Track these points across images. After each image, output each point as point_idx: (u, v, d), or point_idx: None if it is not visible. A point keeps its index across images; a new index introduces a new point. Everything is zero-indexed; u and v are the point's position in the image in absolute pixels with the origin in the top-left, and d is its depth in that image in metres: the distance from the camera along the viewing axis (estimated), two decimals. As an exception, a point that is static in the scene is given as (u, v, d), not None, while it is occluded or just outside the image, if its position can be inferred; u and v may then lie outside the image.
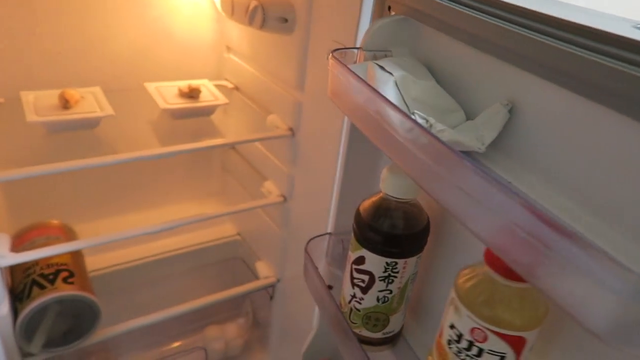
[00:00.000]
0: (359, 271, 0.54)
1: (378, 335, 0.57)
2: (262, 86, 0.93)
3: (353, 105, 0.49)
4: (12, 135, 0.78)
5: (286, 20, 0.78)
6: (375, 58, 0.57)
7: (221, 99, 0.89)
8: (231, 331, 1.10)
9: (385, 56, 0.58)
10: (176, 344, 1.13)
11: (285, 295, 1.02)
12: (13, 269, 0.84)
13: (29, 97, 0.78)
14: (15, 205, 0.98)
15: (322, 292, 0.62)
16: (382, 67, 0.51)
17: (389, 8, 0.59)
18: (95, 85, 0.93)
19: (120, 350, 1.06)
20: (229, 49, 1.04)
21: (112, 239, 0.78)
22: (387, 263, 0.52)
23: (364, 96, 0.46)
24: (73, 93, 0.77)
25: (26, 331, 0.77)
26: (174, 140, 0.85)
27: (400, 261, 0.52)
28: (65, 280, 0.79)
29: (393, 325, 0.57)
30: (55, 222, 0.93)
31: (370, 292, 0.54)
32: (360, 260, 0.53)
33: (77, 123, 0.75)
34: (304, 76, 0.80)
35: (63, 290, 0.77)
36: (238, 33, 0.98)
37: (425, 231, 0.53)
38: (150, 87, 0.89)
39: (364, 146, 0.64)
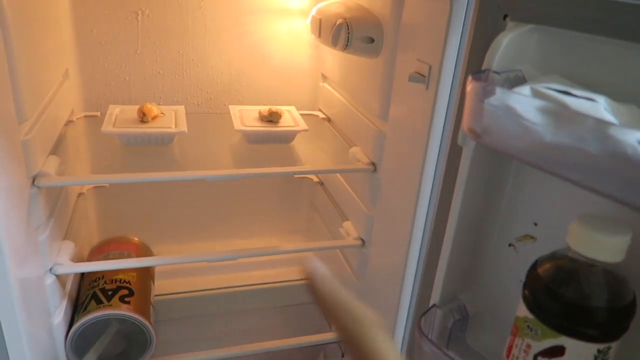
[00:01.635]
0: (554, 364, 0.41)
1: None
2: (349, 116, 0.85)
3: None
4: (94, 147, 0.79)
5: (372, 40, 0.69)
6: (509, 81, 0.46)
7: (302, 125, 0.83)
8: (298, 384, 0.99)
9: (517, 77, 0.46)
10: (239, 387, 1.05)
11: (357, 354, 0.89)
12: (83, 279, 0.84)
13: (115, 110, 0.80)
14: (106, 218, 1.01)
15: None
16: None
17: (505, 17, 0.47)
18: (187, 106, 0.93)
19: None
20: (324, 77, 0.99)
21: (168, 262, 0.74)
22: (598, 350, 0.39)
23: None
24: (151, 107, 0.76)
25: (78, 345, 0.75)
26: (247, 164, 0.80)
27: (613, 344, 0.39)
28: (122, 298, 0.77)
29: None
30: (135, 239, 0.94)
31: None
32: (555, 351, 0.41)
33: (149, 137, 0.74)
34: (388, 104, 0.70)
35: (116, 309, 0.75)
36: (331, 59, 0.92)
37: (635, 299, 0.40)
38: (234, 109, 0.86)
39: (478, 197, 0.53)
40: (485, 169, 0.51)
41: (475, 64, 0.50)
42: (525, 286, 0.44)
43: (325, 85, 0.98)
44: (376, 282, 0.80)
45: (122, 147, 0.76)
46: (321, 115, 0.98)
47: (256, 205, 1.09)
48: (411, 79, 0.60)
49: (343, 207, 0.92)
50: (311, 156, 0.83)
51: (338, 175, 0.91)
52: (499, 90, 0.40)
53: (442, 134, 0.60)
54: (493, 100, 0.40)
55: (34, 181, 0.61)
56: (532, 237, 0.52)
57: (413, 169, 0.64)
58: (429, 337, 0.54)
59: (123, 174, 0.64)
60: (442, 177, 0.59)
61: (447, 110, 0.58)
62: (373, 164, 0.76)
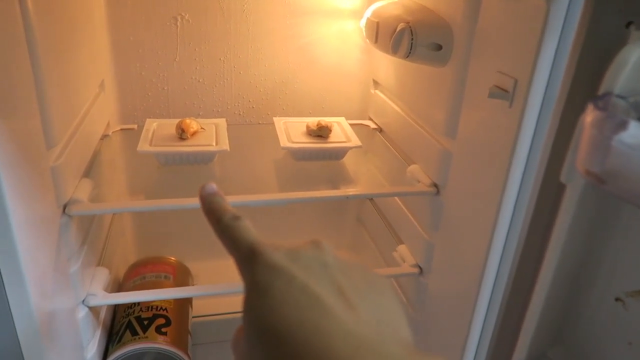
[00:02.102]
0: None
1: None
2: (407, 129, 0.76)
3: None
4: (130, 164, 0.73)
5: (440, 47, 0.60)
6: (636, 107, 0.35)
7: (354, 141, 0.75)
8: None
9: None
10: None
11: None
12: (117, 304, 0.79)
13: (152, 125, 0.74)
14: (143, 234, 0.96)
15: None
16: None
17: (629, 24, 0.38)
18: (228, 116, 0.87)
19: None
20: (376, 84, 0.90)
21: (208, 293, 0.68)
22: None
23: None
24: (190, 123, 0.70)
25: (112, 378, 0.70)
26: (293, 184, 0.73)
27: None
28: (158, 329, 0.71)
29: None
30: (172, 259, 0.88)
31: None
32: None
33: (188, 156, 0.68)
34: (457, 120, 0.61)
35: (153, 342, 0.69)
36: (386, 65, 0.83)
37: None
38: (279, 122, 0.79)
39: (581, 239, 0.44)
40: (592, 209, 0.41)
41: (582, 83, 0.41)
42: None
43: (378, 92, 0.89)
44: (435, 317, 0.71)
45: (158, 165, 0.70)
46: (372, 126, 0.90)
47: (297, 218, 1.02)
48: (492, 94, 0.51)
49: (396, 227, 0.84)
50: (364, 174, 0.75)
51: (398, 201, 0.82)
52: (633, 125, 0.31)
53: (527, 160, 0.51)
54: (626, 137, 0.31)
55: (64, 209, 0.56)
56: (649, 294, 0.42)
57: (488, 197, 0.55)
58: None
59: (160, 200, 0.58)
60: (528, 211, 0.50)
61: (534, 133, 0.49)
62: (435, 185, 0.67)
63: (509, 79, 0.50)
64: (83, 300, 0.63)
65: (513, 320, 0.53)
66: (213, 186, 0.29)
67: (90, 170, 0.66)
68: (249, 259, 0.24)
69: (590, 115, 0.33)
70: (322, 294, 0.22)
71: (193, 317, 0.85)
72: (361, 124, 0.90)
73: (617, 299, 0.45)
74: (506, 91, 0.50)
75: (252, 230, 0.26)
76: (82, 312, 0.62)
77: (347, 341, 0.20)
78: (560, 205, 0.42)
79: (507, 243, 0.55)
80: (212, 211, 0.28)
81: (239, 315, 0.84)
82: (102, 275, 0.68)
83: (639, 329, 0.44)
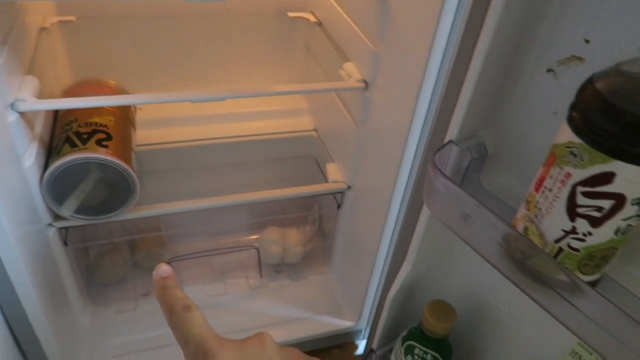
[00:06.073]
0: (597, 195, 0.35)
1: (594, 276, 0.39)
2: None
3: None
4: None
5: None
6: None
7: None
8: (292, 237, 0.97)
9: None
10: (231, 240, 1.04)
11: (355, 206, 0.86)
12: (55, 124, 0.76)
13: None
14: (77, 60, 0.90)
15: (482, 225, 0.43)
16: None
17: None
18: None
19: (173, 235, 0.99)
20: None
21: (150, 100, 0.66)
22: None
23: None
24: None
25: (56, 191, 0.69)
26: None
27: None
28: (99, 142, 0.70)
29: (613, 261, 0.39)
30: (111, 82, 0.84)
31: (608, 223, 0.35)
32: (603, 178, 0.34)
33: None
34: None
35: (93, 152, 0.68)
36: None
37: None
38: None
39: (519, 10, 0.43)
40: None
41: None
42: (573, 108, 0.36)
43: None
44: (379, 128, 0.73)
45: None
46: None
47: (246, 49, 0.98)
48: None
49: (344, 46, 0.81)
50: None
51: (343, 14, 0.78)
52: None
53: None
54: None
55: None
56: (579, 58, 0.43)
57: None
58: (445, 174, 0.48)
59: None
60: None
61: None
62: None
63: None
64: (12, 106, 0.60)
65: (451, 105, 0.53)
66: (167, 269, 0.30)
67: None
68: (197, 357, 0.25)
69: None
70: None
71: (137, 145, 0.83)
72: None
73: (549, 70, 0.46)
74: None
75: (202, 323, 0.27)
76: (12, 117, 0.60)
77: None
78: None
79: (453, 30, 0.54)
80: (165, 298, 0.28)
81: (186, 144, 0.82)
82: (32, 83, 0.64)
83: (565, 98, 0.45)
